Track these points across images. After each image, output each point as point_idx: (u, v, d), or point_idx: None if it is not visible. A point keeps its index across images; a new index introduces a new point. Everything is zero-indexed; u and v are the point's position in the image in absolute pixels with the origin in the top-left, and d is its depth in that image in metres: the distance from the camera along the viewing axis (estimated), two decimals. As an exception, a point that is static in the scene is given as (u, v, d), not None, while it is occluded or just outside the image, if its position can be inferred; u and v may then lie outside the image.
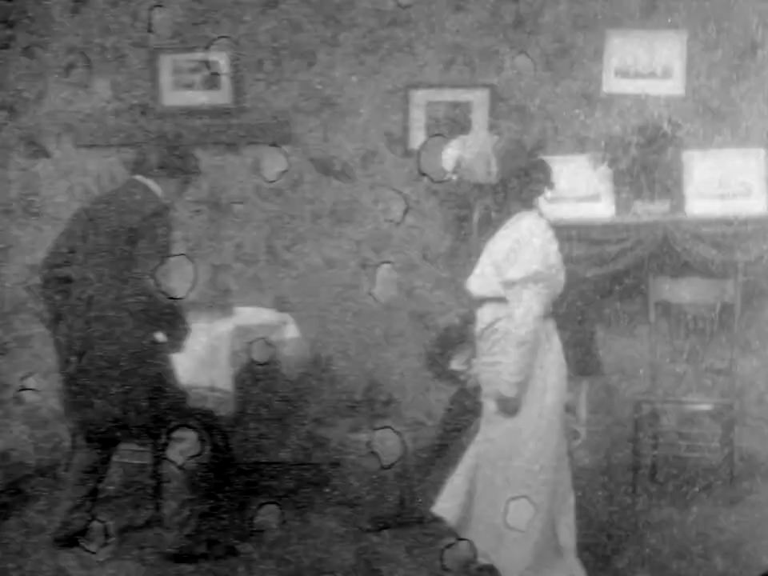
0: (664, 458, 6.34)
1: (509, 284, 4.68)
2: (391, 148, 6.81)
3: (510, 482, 4.76)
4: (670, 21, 6.58)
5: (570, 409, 5.40)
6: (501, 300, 4.74)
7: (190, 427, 5.27)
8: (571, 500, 4.90)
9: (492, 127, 6.52)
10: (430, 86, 6.76)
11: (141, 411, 5.15)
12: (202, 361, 5.64)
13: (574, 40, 6.69)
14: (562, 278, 4.81)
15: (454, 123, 6.74)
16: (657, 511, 5.91)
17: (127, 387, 5.10)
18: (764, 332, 6.46)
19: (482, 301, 4.84)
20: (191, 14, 6.76)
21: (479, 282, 4.85)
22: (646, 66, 6.65)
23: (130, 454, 5.98)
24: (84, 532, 5.47)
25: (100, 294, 5.15)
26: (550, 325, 4.81)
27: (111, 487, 6.16)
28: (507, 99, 6.73)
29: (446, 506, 5.02)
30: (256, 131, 6.81)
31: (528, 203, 4.81)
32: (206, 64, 6.74)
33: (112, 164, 6.82)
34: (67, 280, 5.32)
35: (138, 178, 5.37)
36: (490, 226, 4.83)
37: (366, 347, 6.86)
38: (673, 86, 6.65)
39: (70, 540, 5.46)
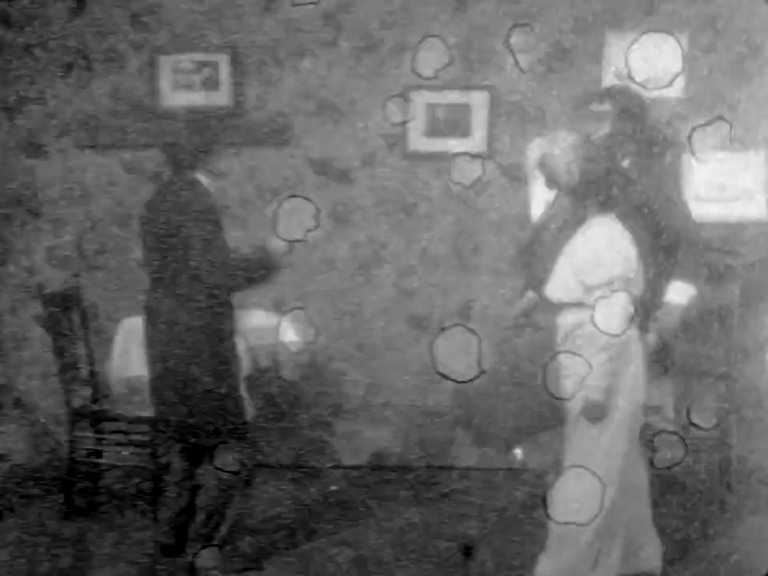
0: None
1: (592, 288, 4.67)
2: (390, 150, 6.80)
3: (586, 489, 4.76)
4: (670, 23, 6.59)
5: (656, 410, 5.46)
6: (581, 305, 4.74)
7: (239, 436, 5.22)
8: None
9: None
10: (430, 87, 6.76)
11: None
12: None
13: (573, 42, 6.68)
14: (641, 280, 4.79)
15: (453, 125, 6.76)
16: (654, 517, 5.89)
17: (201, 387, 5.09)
18: (763, 336, 6.46)
19: (562, 307, 4.84)
20: (191, 15, 6.75)
21: (559, 287, 4.82)
22: (645, 69, 6.63)
23: (128, 458, 6.01)
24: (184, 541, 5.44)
25: (164, 296, 5.15)
26: (633, 328, 4.80)
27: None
28: (507, 101, 6.72)
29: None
30: (255, 133, 6.80)
31: (606, 207, 4.79)
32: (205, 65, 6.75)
33: (111, 165, 6.83)
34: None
35: (189, 173, 5.21)
36: (565, 229, 4.82)
37: (364, 350, 6.88)
38: (672, 89, 6.64)
39: (175, 549, 5.41)
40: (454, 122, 6.77)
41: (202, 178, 5.19)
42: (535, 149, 4.91)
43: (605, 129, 5.34)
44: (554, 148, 4.79)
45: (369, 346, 6.88)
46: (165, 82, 6.80)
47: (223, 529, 5.19)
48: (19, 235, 6.87)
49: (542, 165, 4.81)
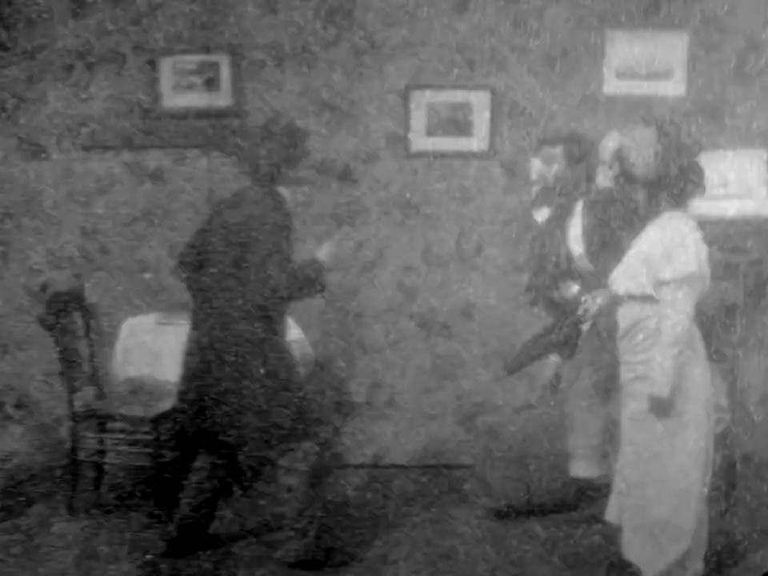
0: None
1: (662, 284, 4.65)
2: (392, 150, 6.79)
3: (665, 481, 4.78)
4: (671, 21, 6.59)
5: None
6: (646, 299, 4.72)
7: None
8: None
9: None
10: (431, 87, 6.75)
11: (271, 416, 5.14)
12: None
13: (575, 41, 6.68)
14: (709, 279, 4.78)
15: (454, 125, 6.75)
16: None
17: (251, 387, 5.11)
18: (766, 333, 6.46)
19: (625, 299, 4.83)
20: (192, 16, 6.74)
21: (626, 280, 4.81)
22: (647, 67, 6.64)
23: (130, 457, 6.00)
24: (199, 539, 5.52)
25: (221, 291, 5.17)
26: (695, 326, 4.80)
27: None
28: (508, 100, 6.71)
29: (614, 510, 5.08)
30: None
31: (679, 203, 4.78)
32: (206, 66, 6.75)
33: (112, 166, 6.82)
34: (197, 268, 5.34)
35: (271, 182, 5.29)
36: (635, 222, 4.82)
37: (367, 349, 6.87)
38: (674, 87, 6.64)
39: (188, 548, 5.49)
40: (456, 122, 6.76)
41: (283, 190, 5.27)
42: (610, 142, 4.91)
43: (555, 169, 5.60)
44: (630, 141, 4.78)
45: (372, 345, 6.87)
46: (165, 83, 6.78)
47: (316, 521, 5.27)
48: (21, 236, 6.86)
49: (618, 158, 4.81)
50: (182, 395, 5.30)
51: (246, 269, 5.07)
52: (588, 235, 5.49)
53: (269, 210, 5.16)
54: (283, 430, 5.12)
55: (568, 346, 5.43)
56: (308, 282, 5.22)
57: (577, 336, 5.35)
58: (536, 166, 5.80)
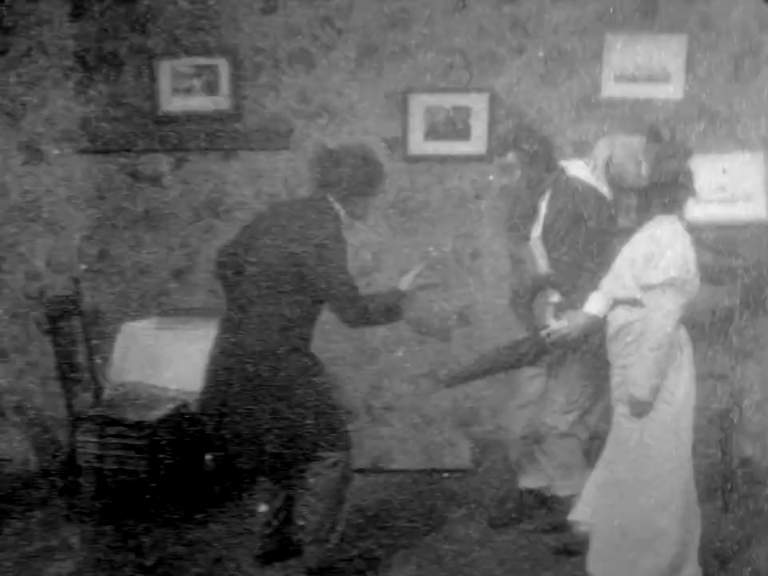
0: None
1: (647, 288, 4.69)
2: (390, 153, 6.78)
3: (642, 486, 4.81)
4: (669, 24, 6.58)
5: None
6: (634, 303, 4.75)
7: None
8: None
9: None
10: (429, 90, 6.75)
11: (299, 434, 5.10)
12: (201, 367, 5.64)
13: (572, 44, 6.67)
14: (697, 284, 4.81)
15: (453, 128, 6.74)
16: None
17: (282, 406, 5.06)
18: (763, 338, 6.46)
19: (615, 303, 4.86)
20: (189, 19, 6.74)
21: (615, 284, 4.86)
22: (645, 70, 6.63)
23: (129, 462, 6.02)
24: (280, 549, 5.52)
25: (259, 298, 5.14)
26: (683, 330, 4.81)
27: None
28: (506, 104, 6.71)
29: (585, 510, 5.08)
30: (255, 136, 6.80)
31: (669, 208, 4.80)
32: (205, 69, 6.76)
33: (111, 170, 6.83)
34: (238, 271, 5.28)
35: (329, 197, 5.27)
36: (626, 228, 4.85)
37: (365, 354, 6.89)
38: (672, 90, 6.64)
39: (270, 557, 5.51)
40: (454, 125, 6.75)
41: (335, 204, 5.26)
42: (604, 149, 4.92)
43: (517, 176, 5.51)
44: (624, 149, 4.81)
45: (369, 350, 6.88)
46: (164, 86, 6.78)
47: (339, 529, 5.23)
48: (20, 240, 6.87)
49: (611, 165, 4.83)
50: (205, 402, 5.28)
51: (290, 280, 5.05)
52: (551, 237, 5.47)
53: (329, 225, 5.16)
54: (313, 439, 5.10)
55: (537, 361, 5.47)
56: (390, 311, 5.28)
57: (545, 353, 5.38)
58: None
